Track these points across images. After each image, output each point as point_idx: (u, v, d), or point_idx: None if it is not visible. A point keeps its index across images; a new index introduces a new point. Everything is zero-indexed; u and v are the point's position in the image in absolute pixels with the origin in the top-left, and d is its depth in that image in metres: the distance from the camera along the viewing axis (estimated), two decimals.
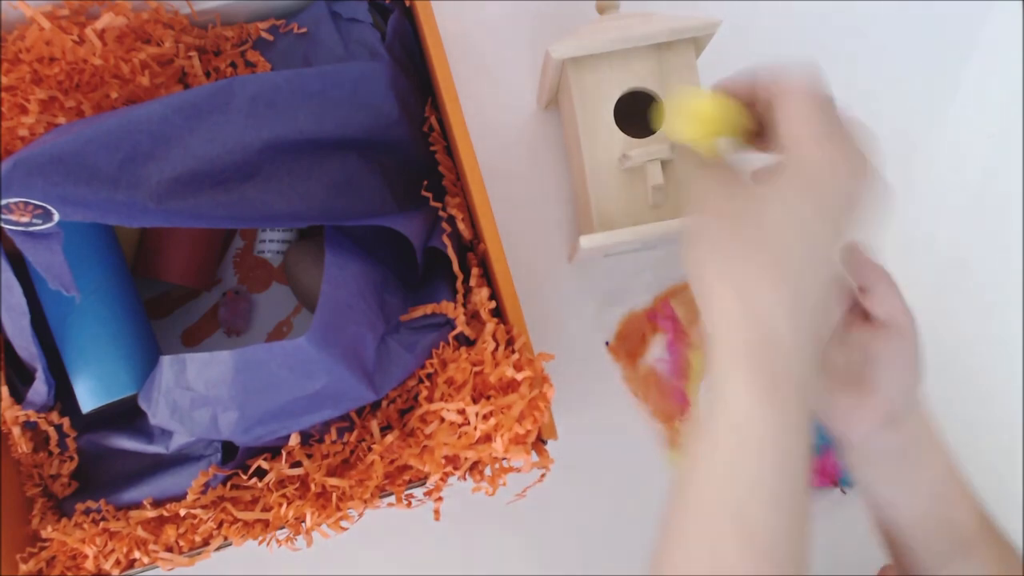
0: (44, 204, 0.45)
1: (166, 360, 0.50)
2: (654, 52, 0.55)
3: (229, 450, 0.55)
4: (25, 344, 0.53)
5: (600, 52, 0.55)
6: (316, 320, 0.48)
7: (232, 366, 0.49)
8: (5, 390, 0.54)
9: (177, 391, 0.50)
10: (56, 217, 0.45)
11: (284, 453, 0.54)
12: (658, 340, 0.66)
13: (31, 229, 0.46)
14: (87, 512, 0.55)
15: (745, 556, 0.36)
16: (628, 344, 0.66)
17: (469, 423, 0.51)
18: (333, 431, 0.55)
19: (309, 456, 0.55)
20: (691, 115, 0.42)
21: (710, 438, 0.38)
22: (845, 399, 0.45)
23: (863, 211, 0.38)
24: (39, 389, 0.54)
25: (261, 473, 0.55)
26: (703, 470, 0.38)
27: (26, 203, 0.44)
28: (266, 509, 0.53)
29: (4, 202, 0.44)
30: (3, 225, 0.46)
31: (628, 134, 0.55)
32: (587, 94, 0.56)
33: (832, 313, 0.43)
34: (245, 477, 0.54)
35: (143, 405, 0.53)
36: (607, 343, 0.66)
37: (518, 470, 0.51)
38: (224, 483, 0.55)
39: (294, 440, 0.54)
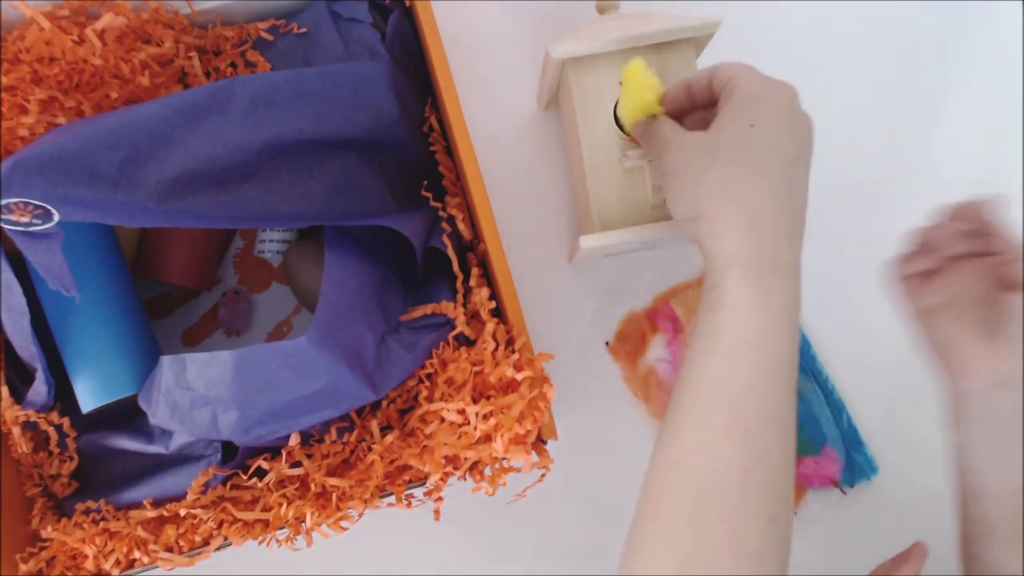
0: (44, 204, 0.45)
1: (166, 360, 0.51)
2: (654, 52, 0.55)
3: (229, 450, 0.55)
4: (25, 344, 0.53)
5: (600, 52, 0.55)
6: (316, 320, 0.49)
7: (232, 366, 0.49)
8: (5, 390, 0.54)
9: (177, 391, 0.50)
10: (56, 217, 0.45)
11: (284, 453, 0.54)
12: (658, 340, 0.66)
13: (31, 229, 0.46)
14: (87, 512, 0.55)
15: (738, 452, 0.40)
16: (628, 344, 0.66)
17: (469, 423, 0.51)
18: (333, 431, 0.55)
19: (309, 456, 0.55)
20: (650, 87, 0.48)
21: (704, 336, 0.42)
22: (973, 347, 0.48)
23: (799, 117, 0.44)
24: (39, 389, 0.54)
25: (261, 473, 0.55)
26: (699, 367, 0.42)
27: (26, 203, 0.44)
28: (266, 509, 0.53)
29: (4, 202, 0.44)
30: (3, 225, 0.46)
31: (628, 134, 0.55)
32: (587, 94, 0.56)
33: (803, 179, 0.46)
34: (245, 477, 0.54)
35: (143, 405, 0.53)
36: (607, 343, 0.66)
37: (518, 470, 0.51)
38: (224, 483, 0.55)
39: (294, 440, 0.54)
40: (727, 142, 0.43)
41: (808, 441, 0.65)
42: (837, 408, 0.66)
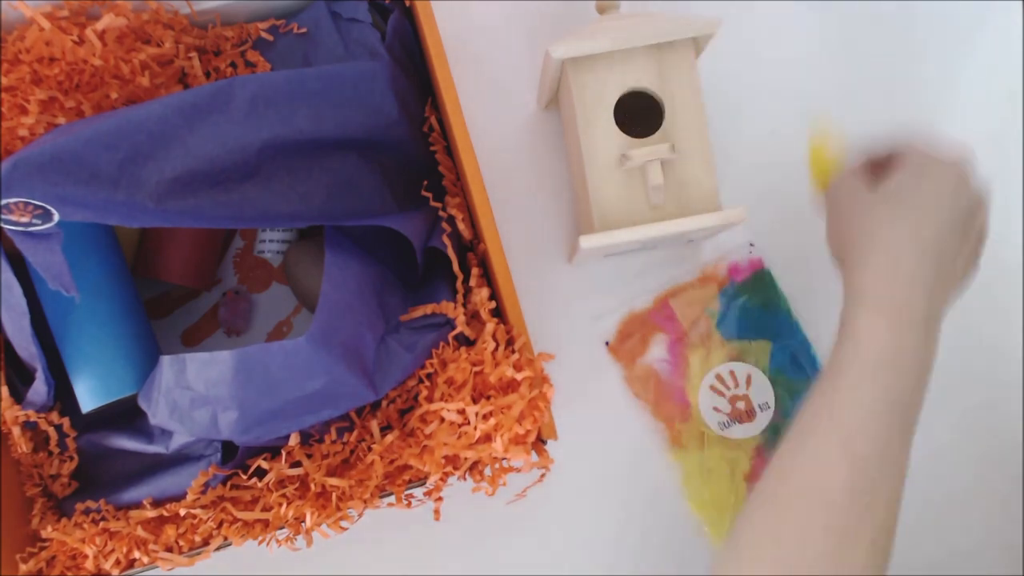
0: (44, 204, 0.45)
1: (166, 360, 0.51)
2: (654, 52, 0.55)
3: (229, 450, 0.55)
4: (25, 344, 0.53)
5: (600, 52, 0.55)
6: (316, 320, 0.49)
7: (232, 366, 0.49)
8: (5, 390, 0.54)
9: (177, 391, 0.50)
10: (56, 217, 0.46)
11: (284, 453, 0.54)
12: (659, 340, 0.66)
13: (31, 229, 0.46)
14: (87, 512, 0.55)
15: (846, 476, 0.42)
16: (628, 344, 0.66)
17: (469, 423, 0.51)
18: (333, 431, 0.55)
19: (309, 456, 0.55)
20: (835, 164, 0.54)
21: (832, 363, 0.45)
22: None
23: (965, 191, 0.47)
24: (39, 389, 0.54)
25: (261, 473, 0.55)
26: (822, 391, 0.45)
27: (26, 203, 0.44)
28: (266, 509, 0.53)
29: (4, 202, 0.44)
30: (3, 225, 0.46)
31: (628, 134, 0.55)
32: (587, 94, 0.55)
33: (954, 247, 0.48)
34: (245, 477, 0.54)
35: (143, 405, 0.53)
36: (607, 343, 0.66)
37: (518, 470, 0.51)
38: (224, 483, 0.55)
39: (294, 440, 0.54)
40: (888, 196, 0.47)
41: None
42: None
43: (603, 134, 0.55)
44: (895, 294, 0.44)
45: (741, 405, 0.65)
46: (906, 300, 0.44)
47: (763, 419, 0.65)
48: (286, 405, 0.50)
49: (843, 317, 0.46)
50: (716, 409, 0.65)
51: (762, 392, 0.65)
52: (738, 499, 0.64)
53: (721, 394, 0.65)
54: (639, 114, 0.56)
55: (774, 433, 0.65)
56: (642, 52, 0.55)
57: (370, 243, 0.56)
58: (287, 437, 0.54)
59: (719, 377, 0.65)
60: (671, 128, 0.55)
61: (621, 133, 0.55)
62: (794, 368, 0.66)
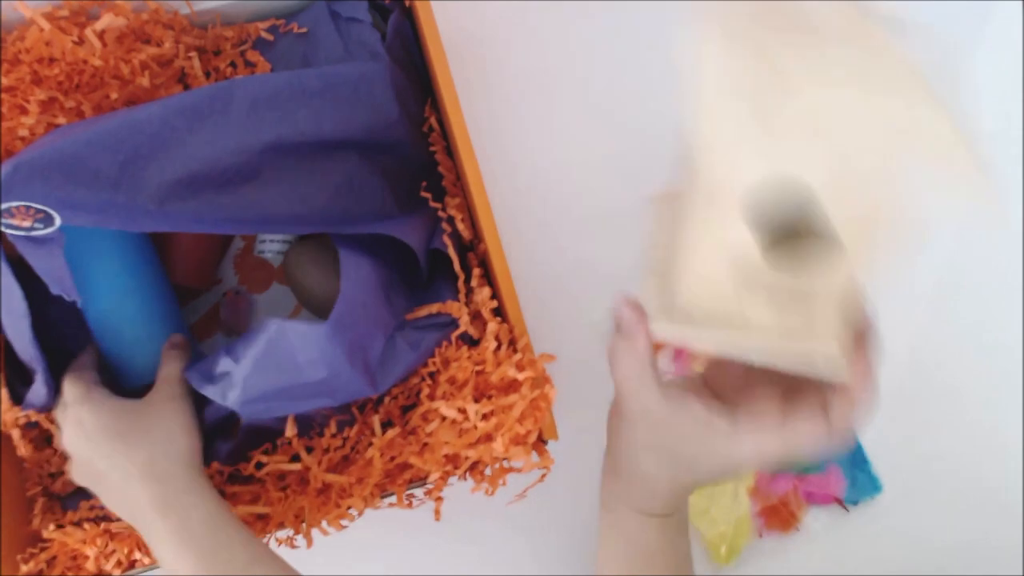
0: (45, 208, 0.44)
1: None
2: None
3: (226, 433, 0.55)
4: (24, 347, 0.53)
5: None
6: (334, 313, 0.49)
7: (264, 337, 0.49)
8: (5, 392, 0.54)
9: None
10: (58, 221, 0.45)
11: (280, 445, 0.54)
12: (664, 352, 0.65)
13: (32, 234, 0.46)
14: (91, 508, 0.55)
15: None
16: None
17: (470, 422, 0.51)
18: (333, 424, 0.55)
19: (309, 450, 0.55)
20: None
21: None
22: None
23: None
24: (38, 391, 0.54)
25: (261, 467, 0.55)
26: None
27: (27, 207, 0.44)
28: (266, 505, 0.53)
29: (5, 206, 0.44)
30: (4, 230, 0.46)
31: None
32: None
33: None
34: (246, 470, 0.54)
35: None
36: None
37: (518, 470, 0.51)
38: (225, 478, 0.55)
39: (291, 431, 0.53)
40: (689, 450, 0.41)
41: (812, 458, 0.65)
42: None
43: (731, 232, 0.34)
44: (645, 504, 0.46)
45: None
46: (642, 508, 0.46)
47: None
48: (286, 389, 0.50)
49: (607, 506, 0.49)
50: None
51: None
52: (741, 513, 0.64)
53: None
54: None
55: None
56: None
57: (374, 244, 0.56)
58: (285, 419, 0.54)
59: None
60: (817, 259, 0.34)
61: (754, 247, 0.34)
62: None
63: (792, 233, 0.35)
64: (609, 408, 0.47)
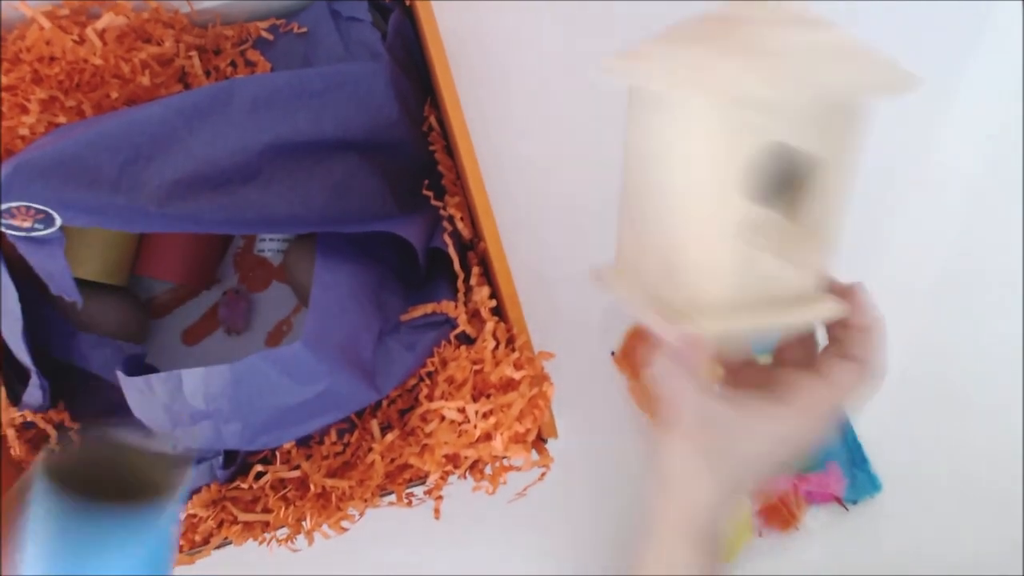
0: (45, 208, 0.44)
1: (159, 378, 0.49)
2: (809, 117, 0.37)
3: (231, 452, 0.55)
4: (18, 348, 0.53)
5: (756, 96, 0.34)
6: (308, 324, 0.48)
7: (231, 379, 0.48)
8: (3, 392, 0.54)
9: (176, 406, 0.49)
10: (58, 222, 0.45)
11: (278, 455, 0.54)
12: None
13: (33, 235, 0.46)
14: None
15: None
16: (633, 357, 0.65)
17: (469, 421, 0.51)
18: (333, 432, 0.55)
19: (309, 458, 0.55)
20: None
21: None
22: None
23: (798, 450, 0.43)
24: (34, 392, 0.54)
25: (262, 476, 0.55)
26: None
27: (27, 208, 0.44)
28: (267, 510, 0.53)
29: (5, 207, 0.44)
30: (5, 231, 0.46)
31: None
32: (715, 139, 0.37)
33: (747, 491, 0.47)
34: (245, 483, 0.54)
35: (143, 419, 0.52)
36: (612, 353, 0.65)
37: (518, 469, 0.51)
38: (226, 482, 0.55)
39: (289, 443, 0.53)
40: (731, 440, 0.42)
41: (812, 457, 0.65)
42: (842, 424, 0.65)
43: (728, 200, 0.37)
44: (693, 537, 0.44)
45: None
46: (699, 540, 0.44)
47: None
48: (289, 411, 0.49)
49: (655, 532, 0.46)
50: None
51: None
52: (741, 512, 0.64)
53: None
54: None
55: None
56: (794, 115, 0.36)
57: (370, 243, 0.56)
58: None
59: None
60: (808, 204, 0.39)
61: (755, 207, 0.37)
62: None
63: (781, 188, 0.39)
64: (653, 433, 0.47)
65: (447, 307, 0.54)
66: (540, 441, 0.53)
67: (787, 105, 0.36)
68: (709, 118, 0.36)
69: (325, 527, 0.52)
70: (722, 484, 0.43)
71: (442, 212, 0.57)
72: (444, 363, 0.54)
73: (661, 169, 0.41)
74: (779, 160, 0.37)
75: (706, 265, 0.39)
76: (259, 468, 0.54)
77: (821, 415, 0.41)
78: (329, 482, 0.53)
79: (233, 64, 0.60)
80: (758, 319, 0.40)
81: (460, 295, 0.55)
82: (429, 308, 0.54)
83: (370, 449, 0.55)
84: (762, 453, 0.42)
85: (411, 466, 0.54)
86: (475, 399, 0.52)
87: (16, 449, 0.55)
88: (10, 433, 0.55)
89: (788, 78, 0.34)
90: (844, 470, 0.65)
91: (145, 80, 0.55)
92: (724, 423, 0.42)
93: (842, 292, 0.43)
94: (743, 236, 0.38)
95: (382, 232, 0.55)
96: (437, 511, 0.53)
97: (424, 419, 0.54)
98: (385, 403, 0.56)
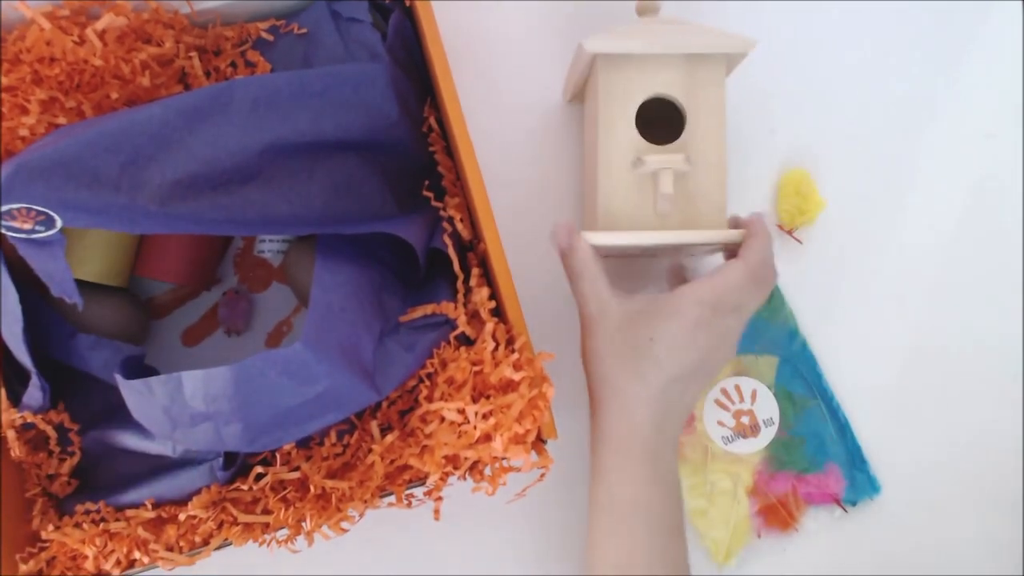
0: (46, 210, 0.44)
1: (158, 380, 0.49)
2: (686, 62, 0.55)
3: (231, 454, 0.55)
4: (18, 350, 0.53)
5: (632, 53, 0.54)
6: (308, 325, 0.48)
7: (231, 380, 0.47)
8: (3, 393, 0.54)
9: (175, 408, 0.49)
10: (59, 223, 0.45)
11: (278, 456, 0.54)
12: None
13: (33, 236, 0.46)
14: (87, 513, 0.55)
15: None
16: None
17: (469, 422, 0.51)
18: (333, 434, 0.55)
19: (308, 459, 0.55)
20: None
21: (596, 511, 0.53)
22: None
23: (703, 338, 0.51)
24: (34, 394, 0.54)
25: (262, 477, 0.55)
26: (590, 524, 0.53)
27: (28, 209, 0.44)
28: (266, 511, 0.53)
29: (5, 208, 0.44)
30: (5, 232, 0.46)
31: (648, 140, 0.55)
32: (613, 92, 0.55)
33: (695, 397, 0.53)
34: (246, 486, 0.54)
35: (142, 422, 0.52)
36: None
37: (518, 469, 0.51)
38: (226, 484, 0.55)
39: (289, 444, 0.53)
40: (629, 345, 0.51)
41: (812, 458, 0.65)
42: (841, 426, 0.66)
43: (622, 135, 0.55)
44: (635, 451, 0.51)
45: (746, 420, 0.65)
46: (643, 454, 0.51)
47: (767, 434, 0.65)
48: (289, 412, 0.49)
49: (596, 456, 0.53)
50: (720, 423, 0.65)
51: (767, 407, 0.65)
52: (740, 513, 0.64)
53: (726, 408, 0.65)
54: (662, 121, 0.56)
55: (778, 448, 0.65)
56: (674, 60, 0.55)
57: (370, 244, 0.56)
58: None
59: (724, 391, 0.65)
60: (691, 140, 0.55)
61: (640, 137, 0.55)
62: (799, 383, 0.66)
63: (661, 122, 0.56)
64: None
65: (447, 308, 0.54)
66: (540, 442, 0.53)
67: (660, 62, 0.55)
68: (610, 81, 0.55)
69: (325, 528, 0.52)
70: (632, 382, 0.50)
71: (442, 213, 0.57)
72: (444, 364, 0.54)
73: (589, 127, 0.59)
74: (660, 106, 0.56)
75: (609, 192, 0.55)
76: (259, 469, 0.54)
77: (701, 302, 0.50)
78: (329, 483, 0.53)
79: (233, 65, 0.60)
80: (649, 237, 0.53)
81: (460, 296, 0.55)
82: (429, 309, 0.54)
83: (370, 450, 0.55)
84: (653, 340, 0.49)
85: (411, 467, 0.54)
86: (475, 400, 0.52)
87: (16, 450, 0.55)
88: (10, 434, 0.55)
89: (660, 43, 0.54)
90: (843, 471, 0.65)
91: (145, 81, 0.55)
92: (615, 313, 0.51)
93: (741, 223, 0.54)
94: (634, 164, 0.55)
95: (382, 233, 0.55)
96: (437, 512, 0.53)
97: (424, 420, 0.54)
98: (385, 404, 0.56)
